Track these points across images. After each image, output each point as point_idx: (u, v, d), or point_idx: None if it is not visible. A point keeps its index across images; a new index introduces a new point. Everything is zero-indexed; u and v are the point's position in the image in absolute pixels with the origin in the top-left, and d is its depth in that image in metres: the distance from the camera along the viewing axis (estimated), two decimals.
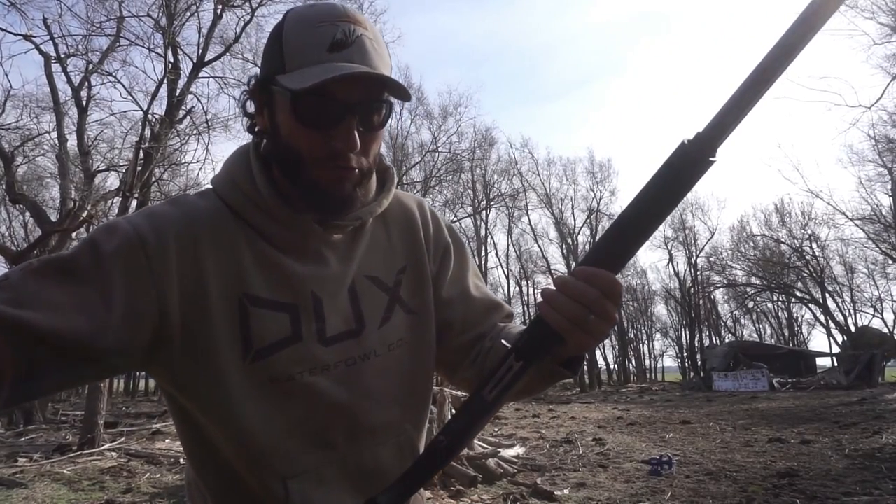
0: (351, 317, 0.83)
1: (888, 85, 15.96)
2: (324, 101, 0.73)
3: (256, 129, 0.82)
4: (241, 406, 0.75)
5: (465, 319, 0.94)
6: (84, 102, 12.93)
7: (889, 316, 42.75)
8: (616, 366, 42.50)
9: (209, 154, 12.22)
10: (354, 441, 0.82)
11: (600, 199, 34.23)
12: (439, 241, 0.96)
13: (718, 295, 38.51)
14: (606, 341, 42.05)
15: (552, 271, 34.76)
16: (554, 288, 0.67)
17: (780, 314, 40.32)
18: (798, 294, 31.79)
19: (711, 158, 0.63)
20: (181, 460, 6.86)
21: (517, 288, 34.32)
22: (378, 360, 0.84)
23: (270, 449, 0.77)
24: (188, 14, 12.28)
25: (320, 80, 0.69)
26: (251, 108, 0.82)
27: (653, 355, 47.49)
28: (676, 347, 42.46)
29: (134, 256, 0.70)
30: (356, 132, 0.74)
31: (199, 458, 0.83)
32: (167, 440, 8.66)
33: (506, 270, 34.86)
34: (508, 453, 6.49)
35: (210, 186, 0.84)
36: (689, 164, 0.64)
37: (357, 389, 0.82)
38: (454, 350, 0.94)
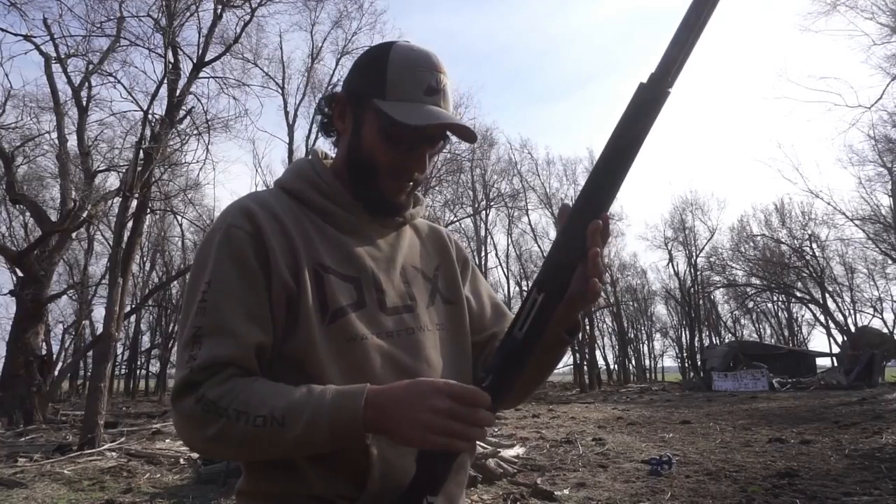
0: (406, 294, 0.95)
1: (888, 85, 15.99)
2: (411, 132, 0.89)
3: (332, 131, 0.99)
4: (331, 366, 0.84)
5: (481, 319, 1.07)
6: (84, 103, 12.94)
7: (889, 316, 42.80)
8: (616, 366, 42.49)
9: (209, 154, 12.15)
10: None
11: None
12: (460, 254, 1.12)
13: (718, 295, 38.51)
14: (606, 341, 42.12)
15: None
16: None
17: (780, 314, 40.32)
18: (798, 294, 31.76)
19: (668, 89, 0.74)
20: (181, 460, 6.86)
21: (517, 288, 34.26)
22: (430, 335, 0.95)
23: None
24: (188, 14, 12.25)
25: (425, 123, 0.87)
26: (326, 109, 0.98)
27: (653, 355, 47.50)
28: (676, 347, 42.46)
29: (248, 244, 0.85)
30: (427, 159, 0.93)
31: None
32: (167, 440, 8.66)
33: (506, 270, 34.83)
34: (508, 453, 6.49)
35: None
36: (649, 99, 0.75)
37: (418, 356, 0.91)
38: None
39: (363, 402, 0.75)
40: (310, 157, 1.00)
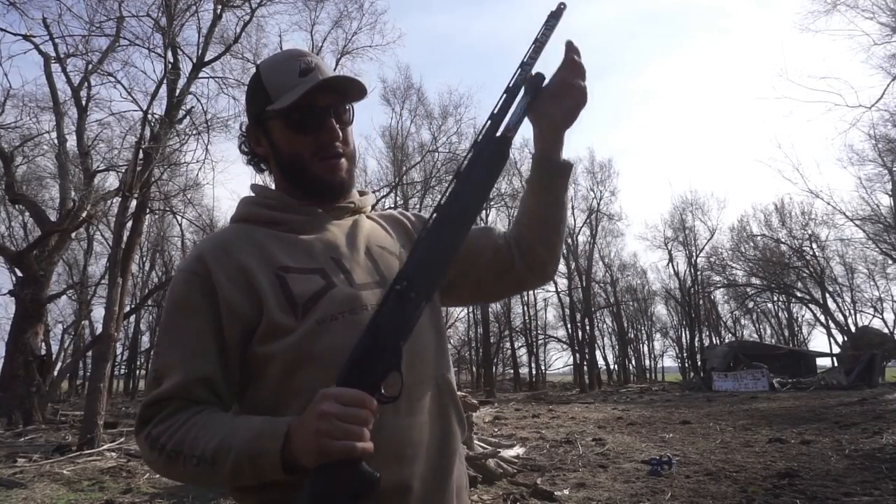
0: (374, 271, 1.00)
1: (888, 85, 15.95)
2: (308, 110, 0.97)
3: (256, 161, 1.06)
4: (301, 350, 0.88)
5: (473, 243, 1.09)
6: (84, 102, 12.92)
7: (889, 316, 42.66)
8: (616, 366, 42.45)
9: (209, 154, 12.14)
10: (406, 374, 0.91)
11: (600, 200, 34.21)
12: (419, 221, 1.18)
13: (718, 295, 38.47)
14: (606, 341, 42.11)
15: None
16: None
17: (780, 314, 40.28)
18: (798, 294, 31.75)
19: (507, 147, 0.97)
20: None
21: None
22: None
23: (329, 382, 0.85)
24: (188, 14, 12.25)
25: (305, 90, 0.94)
26: (244, 147, 1.06)
27: (653, 355, 47.42)
28: (676, 347, 42.41)
29: (196, 285, 0.93)
30: (336, 126, 0.99)
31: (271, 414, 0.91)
32: None
33: None
34: (508, 453, 6.49)
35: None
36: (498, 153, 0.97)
37: None
38: (492, 258, 1.11)
39: (281, 444, 0.79)
40: (250, 188, 1.09)
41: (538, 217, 1.06)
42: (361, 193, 1.12)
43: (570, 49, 0.99)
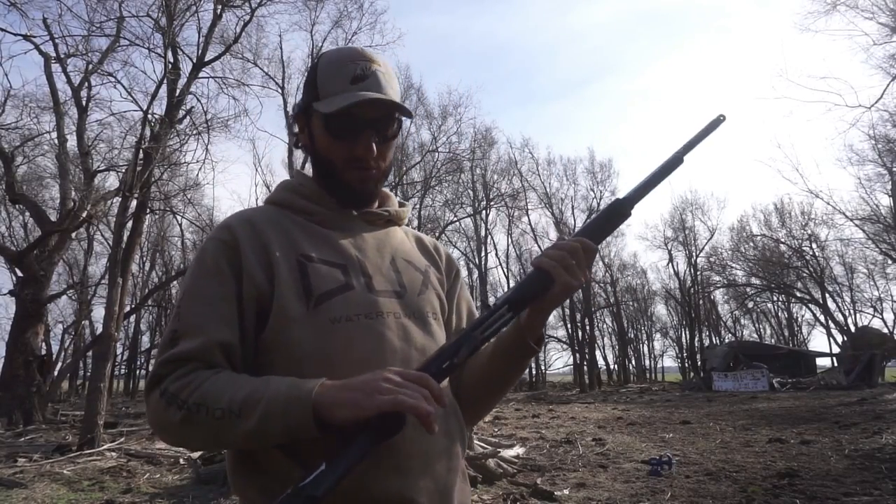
0: (395, 282, 0.99)
1: (888, 85, 15.95)
2: (349, 120, 0.96)
3: (300, 145, 1.07)
4: (318, 347, 0.88)
5: (458, 333, 1.09)
6: (84, 102, 12.93)
7: (889, 316, 42.69)
8: (616, 366, 42.46)
9: (209, 154, 12.15)
10: None
11: (600, 200, 34.16)
12: (451, 265, 1.17)
13: (718, 295, 38.48)
14: (606, 341, 42.11)
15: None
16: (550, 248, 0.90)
17: (780, 314, 40.31)
18: (798, 294, 31.76)
19: (628, 214, 0.95)
20: (181, 460, 6.86)
21: None
22: (420, 322, 0.98)
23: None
24: (188, 14, 12.26)
25: (346, 105, 0.93)
26: (295, 129, 1.07)
27: (653, 355, 47.46)
28: (676, 347, 42.44)
29: (223, 252, 0.93)
30: (373, 142, 0.97)
31: None
32: None
33: (506, 270, 34.83)
34: (508, 453, 6.49)
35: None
36: (615, 212, 0.97)
37: (408, 340, 0.94)
38: None
39: (315, 390, 0.78)
40: (293, 175, 1.11)
41: (503, 380, 1.02)
42: (401, 204, 1.13)
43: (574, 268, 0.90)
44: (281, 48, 28.79)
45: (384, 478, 0.84)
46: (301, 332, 0.88)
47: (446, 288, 1.12)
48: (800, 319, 40.21)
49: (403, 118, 1.02)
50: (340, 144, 0.98)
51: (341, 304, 0.91)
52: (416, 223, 26.24)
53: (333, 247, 0.98)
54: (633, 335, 43.24)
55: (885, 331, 28.81)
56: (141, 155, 9.79)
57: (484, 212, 31.55)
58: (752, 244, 34.37)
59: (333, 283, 0.93)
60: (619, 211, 0.95)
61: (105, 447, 7.73)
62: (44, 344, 14.26)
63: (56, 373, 14.41)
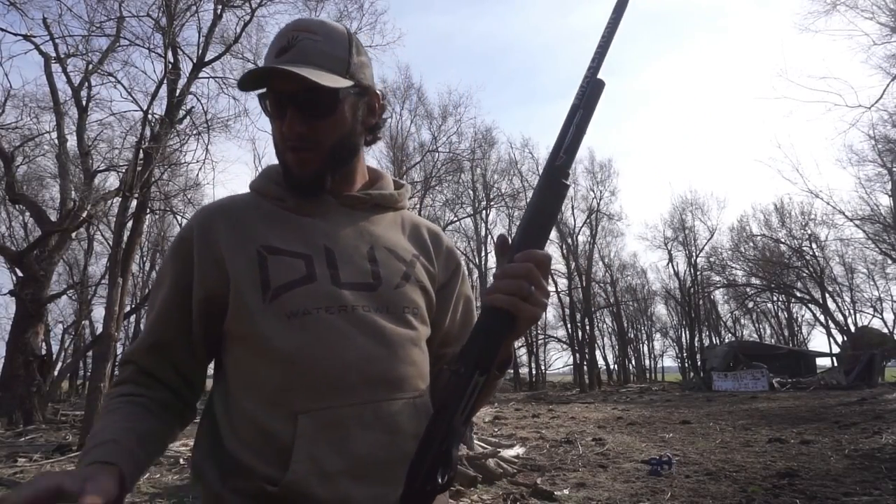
0: (368, 273, 0.92)
1: (888, 85, 15.96)
2: (272, 97, 0.89)
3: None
4: (276, 342, 0.84)
5: (449, 334, 1.04)
6: (84, 102, 12.92)
7: (889, 316, 42.73)
8: (616, 366, 42.45)
9: (209, 154, 12.15)
10: (373, 389, 0.85)
11: (600, 200, 34.19)
12: (452, 258, 1.08)
13: (718, 295, 38.49)
14: (606, 341, 42.10)
15: (552, 271, 34.67)
16: (496, 280, 0.75)
17: (780, 314, 40.28)
18: (798, 294, 31.75)
19: (565, 182, 0.76)
20: (181, 460, 6.86)
21: None
22: (393, 318, 0.90)
23: (287, 382, 0.83)
24: (188, 14, 12.25)
25: (241, 80, 0.86)
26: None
27: (653, 355, 47.45)
28: (676, 347, 42.42)
29: (177, 250, 0.93)
30: (298, 119, 0.88)
31: (224, 408, 0.89)
32: None
33: None
34: (508, 453, 6.49)
35: None
36: (556, 192, 0.76)
37: (374, 336, 0.87)
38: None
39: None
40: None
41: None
42: (398, 186, 1.06)
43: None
44: None
45: (346, 485, 0.81)
46: (262, 326, 0.85)
47: (441, 282, 1.03)
48: (800, 319, 40.24)
49: (353, 91, 0.92)
50: (274, 124, 0.92)
51: (300, 298, 0.86)
52: None
53: (301, 236, 0.92)
54: (633, 335, 43.23)
55: (885, 331, 28.84)
56: (141, 155, 9.80)
57: (484, 212, 31.58)
58: (752, 244, 34.39)
59: (293, 274, 0.87)
60: (558, 191, 0.76)
61: None
62: (44, 344, 14.27)
63: (56, 373, 14.41)
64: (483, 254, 32.26)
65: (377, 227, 0.98)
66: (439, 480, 0.72)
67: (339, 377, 0.83)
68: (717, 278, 35.58)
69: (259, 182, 0.99)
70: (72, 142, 13.34)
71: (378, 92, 0.98)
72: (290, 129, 0.89)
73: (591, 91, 0.77)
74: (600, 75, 0.78)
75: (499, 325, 0.74)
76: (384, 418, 0.84)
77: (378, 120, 1.00)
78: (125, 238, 9.75)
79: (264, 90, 0.90)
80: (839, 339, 29.31)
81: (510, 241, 0.78)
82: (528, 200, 0.81)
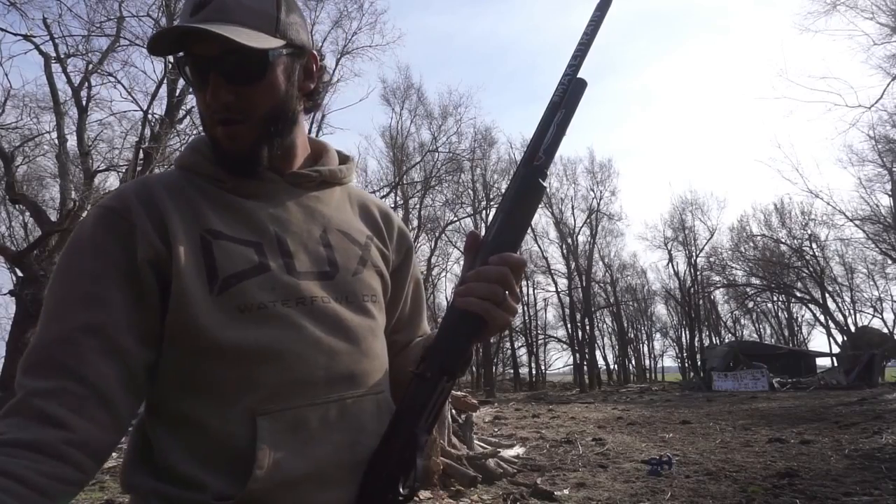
0: (324, 260, 0.84)
1: (888, 85, 16.00)
2: (192, 62, 0.78)
3: None
4: (226, 339, 0.74)
5: (400, 320, 0.99)
6: (84, 102, 12.93)
7: (889, 316, 42.61)
8: (616, 366, 42.46)
9: None
10: (333, 386, 0.78)
11: (600, 200, 34.23)
12: (404, 239, 1.01)
13: (718, 295, 38.49)
14: (606, 341, 42.10)
15: (552, 271, 34.73)
16: (468, 282, 0.73)
17: (780, 314, 40.29)
18: (798, 294, 31.77)
19: (543, 183, 0.75)
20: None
21: None
22: (354, 308, 0.84)
23: (242, 381, 0.74)
24: None
25: (156, 34, 0.76)
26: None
27: (653, 355, 47.41)
28: (676, 347, 42.44)
29: (109, 221, 0.76)
30: (223, 86, 0.77)
31: (168, 413, 0.78)
32: None
33: None
34: (508, 453, 6.49)
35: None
36: (532, 195, 0.76)
37: (334, 328, 0.80)
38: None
39: None
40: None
41: None
42: (343, 160, 0.95)
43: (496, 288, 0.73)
44: None
45: (298, 492, 0.74)
46: (209, 320, 0.74)
47: (395, 265, 0.96)
48: (800, 319, 40.25)
49: (286, 52, 0.80)
50: (198, 95, 0.80)
51: (253, 290, 0.76)
52: (415, 223, 26.28)
53: (247, 220, 0.81)
54: (633, 335, 43.22)
55: (885, 331, 28.84)
56: (141, 155, 9.81)
57: (484, 212, 31.54)
58: (752, 244, 34.41)
59: (243, 263, 0.77)
60: (536, 193, 0.75)
61: None
62: None
63: None
64: None
65: (327, 208, 0.89)
66: (401, 490, 0.68)
67: (302, 375, 0.75)
68: (717, 278, 35.64)
69: (190, 158, 0.85)
70: (72, 142, 13.35)
71: (315, 52, 0.87)
72: (214, 99, 0.77)
73: (573, 90, 0.76)
74: (581, 74, 0.78)
75: (468, 330, 0.72)
76: (349, 417, 0.78)
77: (317, 84, 0.88)
78: None
79: (181, 54, 0.78)
80: (839, 339, 29.34)
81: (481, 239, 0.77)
82: (502, 198, 0.78)
